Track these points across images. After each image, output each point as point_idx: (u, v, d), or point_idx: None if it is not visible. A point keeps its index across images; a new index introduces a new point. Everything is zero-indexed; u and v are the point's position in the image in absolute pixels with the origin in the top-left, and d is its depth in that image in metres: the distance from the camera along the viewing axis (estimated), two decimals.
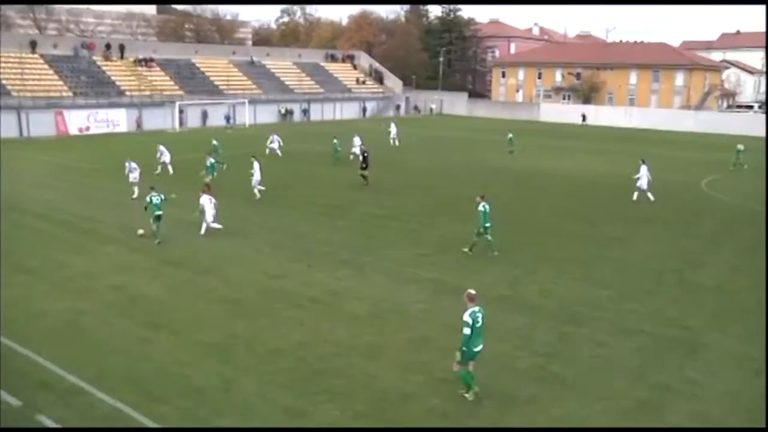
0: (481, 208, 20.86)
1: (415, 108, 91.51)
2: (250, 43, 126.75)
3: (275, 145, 44.00)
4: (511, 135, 49.33)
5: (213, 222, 22.98)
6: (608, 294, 17.81)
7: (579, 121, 78.59)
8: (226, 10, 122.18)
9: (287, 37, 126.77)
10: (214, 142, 39.58)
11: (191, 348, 13.87)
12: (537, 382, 12.64)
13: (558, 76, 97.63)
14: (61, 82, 60.23)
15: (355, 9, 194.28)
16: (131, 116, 61.28)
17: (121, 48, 68.90)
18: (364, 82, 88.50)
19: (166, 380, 12.39)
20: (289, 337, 14.45)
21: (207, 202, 22.91)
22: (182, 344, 14.06)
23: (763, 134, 62.79)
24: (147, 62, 68.71)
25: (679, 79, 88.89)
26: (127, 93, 63.09)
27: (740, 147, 43.65)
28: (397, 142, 50.98)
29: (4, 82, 56.22)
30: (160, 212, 21.97)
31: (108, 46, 68.10)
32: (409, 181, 35.85)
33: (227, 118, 64.65)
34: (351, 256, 20.88)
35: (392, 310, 16.25)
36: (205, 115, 66.52)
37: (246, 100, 69.36)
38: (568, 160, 45.83)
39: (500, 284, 18.42)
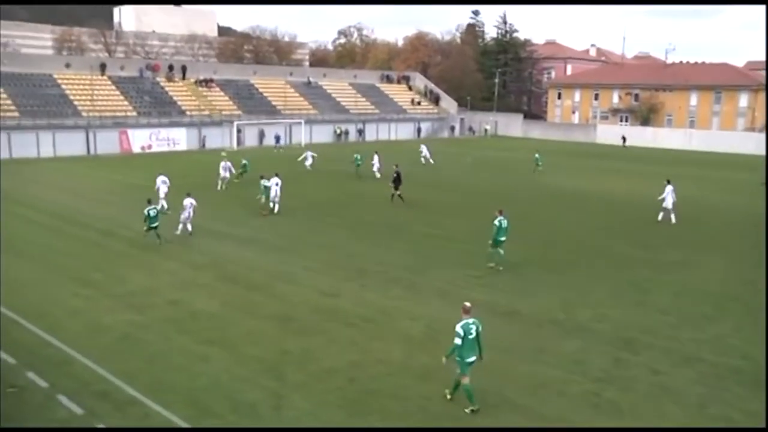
0: (496, 222, 21.38)
1: (470, 129, 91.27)
2: (307, 64, 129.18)
3: (309, 161, 45.44)
4: (537, 155, 49.86)
5: (184, 222, 24.86)
6: (665, 319, 17.37)
7: (637, 142, 76.99)
8: (284, 32, 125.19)
9: (343, 58, 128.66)
10: (244, 161, 41.08)
11: (244, 364, 14.09)
12: (591, 409, 12.40)
13: (615, 98, 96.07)
14: (126, 102, 62.46)
15: (411, 30, 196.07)
16: (191, 135, 63.03)
17: (183, 69, 71.17)
18: (419, 103, 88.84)
19: (219, 395, 12.61)
20: (341, 356, 14.55)
21: (188, 204, 24.86)
22: (236, 360, 14.30)
23: None
24: (207, 83, 70.70)
25: (743, 100, 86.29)
26: (188, 113, 64.96)
27: None
28: (431, 161, 51.46)
29: (76, 103, 58.88)
30: (156, 224, 23.91)
31: (171, 68, 70.43)
32: (461, 201, 35.78)
33: (277, 138, 65.61)
34: (404, 276, 20.93)
35: (446, 331, 15.99)
36: (261, 135, 67.80)
37: (302, 120, 70.52)
38: (622, 181, 44.84)
39: (553, 307, 18.19)
